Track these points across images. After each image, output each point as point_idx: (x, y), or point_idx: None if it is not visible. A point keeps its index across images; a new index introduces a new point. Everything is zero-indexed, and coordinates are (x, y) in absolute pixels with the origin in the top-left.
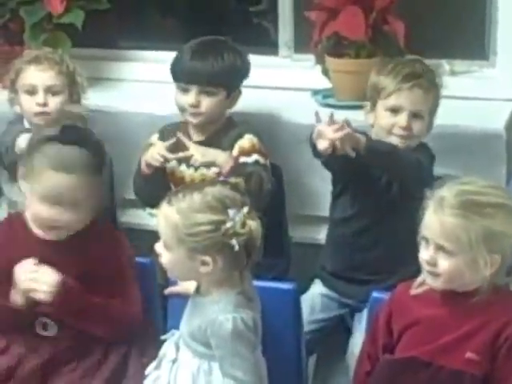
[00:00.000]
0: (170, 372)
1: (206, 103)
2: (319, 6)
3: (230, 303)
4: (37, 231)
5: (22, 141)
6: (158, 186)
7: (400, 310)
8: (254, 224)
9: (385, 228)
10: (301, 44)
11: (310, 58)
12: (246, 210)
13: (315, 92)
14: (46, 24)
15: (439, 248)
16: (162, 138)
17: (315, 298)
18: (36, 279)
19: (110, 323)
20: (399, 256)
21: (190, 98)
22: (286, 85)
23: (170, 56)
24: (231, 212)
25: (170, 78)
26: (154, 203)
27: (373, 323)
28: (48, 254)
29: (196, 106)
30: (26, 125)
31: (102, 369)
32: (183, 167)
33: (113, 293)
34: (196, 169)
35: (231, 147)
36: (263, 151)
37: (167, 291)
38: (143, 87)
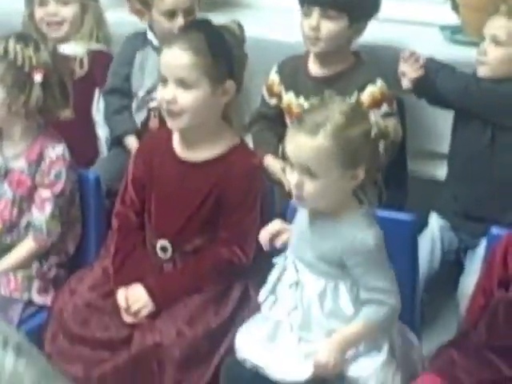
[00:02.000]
0: (294, 294)
1: (327, 27)
2: None
3: (363, 221)
4: (178, 150)
5: None
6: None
7: None
8: (393, 123)
9: (488, 163)
10: None
11: None
12: (378, 112)
13: (443, 27)
14: None
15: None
16: (281, 71)
17: (434, 231)
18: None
19: (218, 276)
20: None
21: (311, 21)
22: (413, 19)
23: None
24: (372, 117)
25: (294, 5)
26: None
27: (490, 258)
28: (184, 173)
29: (315, 29)
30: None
31: (226, 300)
32: (301, 100)
33: (230, 221)
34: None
35: (361, 89)
36: (391, 97)
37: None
38: (268, 14)
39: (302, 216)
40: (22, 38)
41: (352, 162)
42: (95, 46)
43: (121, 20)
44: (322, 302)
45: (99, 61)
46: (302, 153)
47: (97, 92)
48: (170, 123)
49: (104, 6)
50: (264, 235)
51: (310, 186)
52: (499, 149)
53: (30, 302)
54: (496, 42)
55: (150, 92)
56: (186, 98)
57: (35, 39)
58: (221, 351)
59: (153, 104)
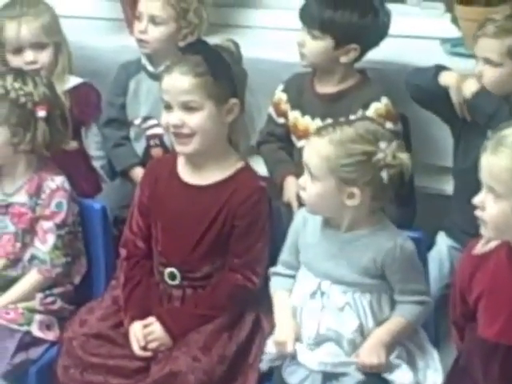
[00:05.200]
0: (337, 319)
1: (311, 45)
2: None
3: (395, 229)
4: (183, 175)
5: None
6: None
7: (470, 276)
8: (404, 157)
9: None
10: None
11: (439, 5)
12: (395, 143)
13: (444, 41)
14: None
15: (489, 190)
16: (287, 89)
17: (442, 251)
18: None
19: (233, 303)
20: None
21: (298, 37)
22: (414, 33)
23: (297, 2)
24: (382, 144)
25: (297, 24)
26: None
27: (452, 290)
28: (190, 197)
29: (301, 45)
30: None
31: (239, 326)
32: (307, 119)
33: (241, 247)
34: (322, 119)
35: (365, 106)
36: (395, 115)
37: None
38: (270, 34)
39: (324, 237)
40: (19, 74)
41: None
42: (70, 83)
43: (121, 48)
44: (376, 316)
45: (77, 96)
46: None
47: (83, 128)
48: (179, 148)
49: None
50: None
51: (311, 189)
52: None
53: (28, 334)
54: (490, 63)
55: (146, 119)
56: (194, 120)
57: (31, 74)
58: (236, 378)
59: (151, 131)
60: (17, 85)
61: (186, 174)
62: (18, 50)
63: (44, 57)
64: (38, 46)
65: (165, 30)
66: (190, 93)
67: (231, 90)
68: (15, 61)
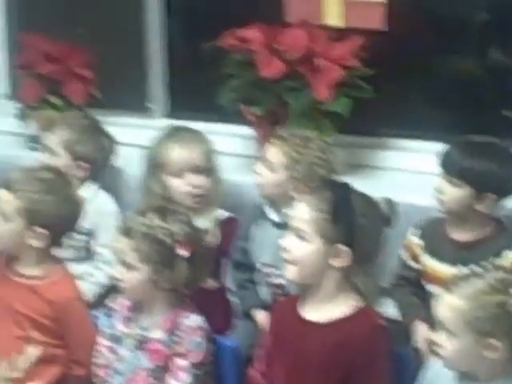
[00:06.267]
0: None
1: (449, 192)
2: None
3: None
4: (301, 311)
5: None
6: None
7: None
8: None
9: None
10: None
11: None
12: None
13: None
14: (312, 110)
15: None
16: (423, 235)
17: None
18: None
19: None
20: None
21: (436, 183)
22: None
23: (431, 146)
24: None
25: (431, 168)
26: None
27: None
28: (306, 333)
29: (439, 191)
30: None
31: None
32: (440, 265)
33: None
34: (456, 265)
35: (496, 254)
36: None
37: None
38: (403, 176)
39: None
40: (160, 211)
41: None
42: (219, 214)
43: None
44: None
45: (225, 229)
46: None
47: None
48: (285, 271)
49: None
50: None
51: (448, 345)
52: None
53: None
54: None
55: (268, 267)
56: (298, 249)
57: (172, 211)
58: None
59: (273, 280)
60: (159, 223)
61: (304, 310)
62: (180, 174)
63: (205, 182)
64: (200, 171)
65: (275, 176)
66: (305, 222)
67: (345, 238)
68: (176, 183)
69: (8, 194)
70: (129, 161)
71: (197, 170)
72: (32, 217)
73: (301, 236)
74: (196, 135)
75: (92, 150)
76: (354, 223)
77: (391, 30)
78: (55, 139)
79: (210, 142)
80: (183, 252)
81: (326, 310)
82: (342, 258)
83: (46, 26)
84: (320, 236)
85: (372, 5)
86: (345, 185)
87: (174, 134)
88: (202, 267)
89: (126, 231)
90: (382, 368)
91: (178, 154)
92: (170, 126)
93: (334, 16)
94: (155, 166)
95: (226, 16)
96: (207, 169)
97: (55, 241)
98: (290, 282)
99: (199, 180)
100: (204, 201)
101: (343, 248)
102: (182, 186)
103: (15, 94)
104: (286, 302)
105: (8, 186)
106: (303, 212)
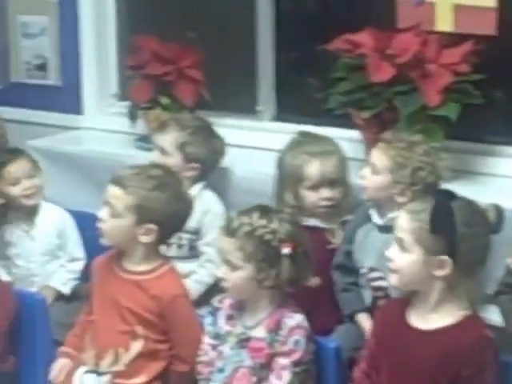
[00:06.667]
0: None
1: None
2: None
3: None
4: (410, 318)
5: None
6: None
7: None
8: None
9: None
10: None
11: None
12: None
13: None
14: (421, 115)
15: None
16: None
17: None
18: None
19: None
20: None
21: None
22: None
23: None
24: None
25: None
26: None
27: None
28: (412, 340)
29: None
30: None
31: None
32: None
33: None
34: None
35: None
36: None
37: None
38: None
39: None
40: (264, 211)
41: None
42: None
43: None
44: None
45: None
46: None
47: None
48: (389, 278)
49: None
50: None
51: None
52: None
53: None
54: None
55: (371, 270)
56: (399, 259)
57: (276, 211)
58: None
59: (376, 283)
60: (263, 222)
61: (412, 317)
62: (316, 187)
63: (338, 194)
64: (335, 184)
65: (379, 179)
66: (404, 232)
67: (447, 248)
68: (310, 197)
69: (119, 191)
70: (236, 162)
71: (332, 183)
72: (142, 213)
73: (402, 245)
74: (330, 145)
75: (204, 151)
76: (456, 234)
77: (501, 34)
78: (168, 140)
79: (343, 150)
80: (286, 250)
81: (432, 319)
82: (445, 268)
83: (158, 30)
84: (420, 246)
85: (483, 10)
86: (448, 193)
87: (307, 142)
88: (304, 265)
89: (230, 231)
90: (489, 380)
91: (315, 169)
92: (300, 132)
93: (445, 21)
94: (289, 176)
95: (335, 20)
96: (341, 181)
97: (163, 238)
98: (394, 288)
99: (333, 193)
100: (335, 211)
101: (445, 259)
102: (316, 199)
103: (126, 95)
104: (392, 305)
105: (119, 182)
106: (404, 221)
